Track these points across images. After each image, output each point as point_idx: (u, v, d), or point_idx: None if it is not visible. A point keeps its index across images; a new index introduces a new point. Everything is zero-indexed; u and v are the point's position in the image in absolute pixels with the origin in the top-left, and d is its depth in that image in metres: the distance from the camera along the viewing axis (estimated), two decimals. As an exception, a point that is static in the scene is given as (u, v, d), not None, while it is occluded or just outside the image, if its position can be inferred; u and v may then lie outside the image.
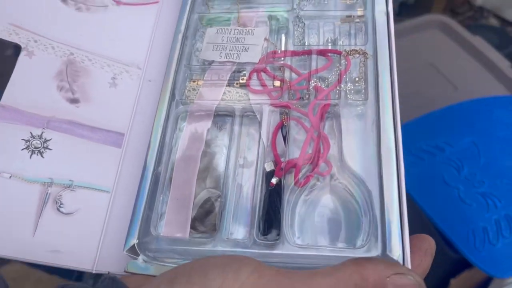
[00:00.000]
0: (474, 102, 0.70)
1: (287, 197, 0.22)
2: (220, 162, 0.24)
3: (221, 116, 0.25)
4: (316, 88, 0.25)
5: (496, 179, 0.62)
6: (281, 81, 0.25)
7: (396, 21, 1.15)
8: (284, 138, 0.23)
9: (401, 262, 0.20)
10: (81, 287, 0.19)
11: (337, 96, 0.24)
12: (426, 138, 0.67)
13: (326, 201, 0.22)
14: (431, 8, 1.32)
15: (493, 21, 1.59)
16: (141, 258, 0.22)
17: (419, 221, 0.67)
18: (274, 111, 0.25)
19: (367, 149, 0.22)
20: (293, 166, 0.22)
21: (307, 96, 0.24)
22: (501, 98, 0.71)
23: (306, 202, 0.23)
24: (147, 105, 0.28)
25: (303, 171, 0.23)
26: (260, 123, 0.24)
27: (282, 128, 0.24)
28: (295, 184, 0.23)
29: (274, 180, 0.23)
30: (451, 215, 0.60)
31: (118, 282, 0.19)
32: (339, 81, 0.25)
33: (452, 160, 0.64)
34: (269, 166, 0.23)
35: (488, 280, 0.63)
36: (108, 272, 0.19)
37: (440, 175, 0.63)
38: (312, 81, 0.25)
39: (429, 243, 0.23)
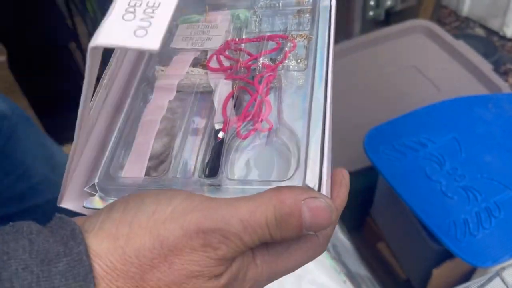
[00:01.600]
0: (455, 100, 0.72)
1: (228, 145, 0.26)
2: (177, 125, 0.28)
3: (184, 92, 0.30)
4: (264, 65, 0.29)
5: (476, 173, 0.64)
6: (235, 61, 0.29)
7: (382, 26, 1.17)
8: (234, 105, 0.28)
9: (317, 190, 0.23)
10: (28, 224, 0.20)
11: (282, 70, 0.29)
12: (409, 135, 0.68)
13: (264, 151, 0.26)
14: (417, 17, 1.35)
15: (479, 31, 1.64)
16: (98, 195, 0.25)
17: (402, 213, 0.69)
18: (227, 83, 0.29)
19: (304, 111, 0.26)
20: (236, 122, 0.27)
21: (256, 72, 0.28)
22: (481, 96, 0.73)
23: (245, 150, 0.26)
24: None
25: (246, 126, 0.27)
26: (214, 92, 0.28)
27: (232, 96, 0.28)
28: (237, 135, 0.26)
29: (220, 135, 0.26)
30: (433, 208, 0.61)
31: (66, 220, 0.21)
32: (284, 58, 0.29)
33: (434, 156, 0.66)
34: (218, 125, 0.27)
35: (471, 270, 0.64)
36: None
37: (422, 170, 0.65)
38: (261, 59, 0.29)
39: (343, 175, 0.25)
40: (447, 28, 1.63)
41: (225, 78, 0.28)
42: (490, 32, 1.62)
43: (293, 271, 0.24)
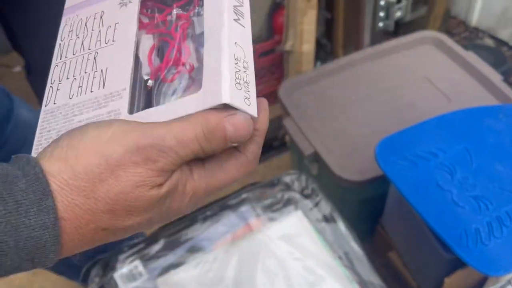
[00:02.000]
0: (465, 111, 0.73)
1: (157, 90, 0.29)
2: None
3: None
4: (178, 15, 0.31)
5: (487, 183, 0.65)
6: (152, 17, 0.32)
7: (392, 37, 1.19)
8: (158, 55, 0.30)
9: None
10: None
11: (194, 17, 0.30)
12: (421, 145, 0.69)
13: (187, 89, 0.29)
14: (426, 28, 1.37)
15: (488, 41, 1.64)
16: None
17: (413, 223, 0.70)
18: (148, 38, 0.31)
19: (217, 47, 0.27)
20: (160, 69, 0.29)
21: (171, 22, 0.31)
22: (491, 107, 0.74)
23: (169, 89, 0.29)
24: None
25: (170, 71, 0.29)
26: (137, 48, 0.30)
27: (155, 48, 0.31)
28: (163, 80, 0.29)
29: (149, 83, 0.29)
30: (445, 217, 0.62)
31: (21, 155, 0.24)
32: (194, 6, 0.31)
33: (445, 165, 0.67)
34: (146, 76, 0.30)
35: (483, 279, 0.64)
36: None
37: (433, 180, 0.66)
38: (175, 11, 0.31)
39: (260, 101, 0.28)
40: (456, 39, 1.64)
41: (146, 33, 0.31)
42: (500, 42, 1.63)
43: (229, 185, 0.27)
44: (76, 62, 0.31)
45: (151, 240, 0.63)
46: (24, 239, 0.22)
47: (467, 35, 1.66)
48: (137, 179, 0.23)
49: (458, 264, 0.63)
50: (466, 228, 0.61)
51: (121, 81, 0.28)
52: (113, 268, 0.60)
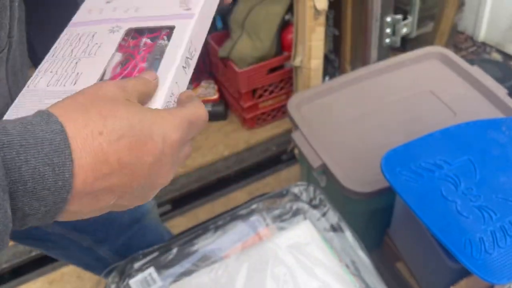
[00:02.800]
0: (470, 124, 0.75)
1: None
2: None
3: None
4: (145, 43, 0.40)
5: (491, 193, 0.66)
6: (127, 40, 0.41)
7: (398, 53, 1.21)
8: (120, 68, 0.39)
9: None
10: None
11: (157, 46, 0.39)
12: (426, 157, 0.71)
13: None
14: (433, 43, 1.39)
15: (496, 56, 1.66)
16: None
17: (419, 233, 0.71)
18: (119, 55, 0.39)
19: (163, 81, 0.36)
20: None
21: (139, 47, 0.40)
22: (494, 120, 0.76)
23: None
24: None
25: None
26: (108, 61, 0.38)
27: (120, 63, 0.39)
28: None
29: None
30: (449, 227, 0.63)
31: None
32: (159, 40, 0.40)
33: (450, 177, 0.69)
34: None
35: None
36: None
37: (438, 190, 0.67)
38: (144, 40, 0.40)
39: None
40: (463, 53, 1.66)
41: (118, 52, 0.39)
42: (507, 56, 1.64)
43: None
44: (62, 62, 0.40)
45: (165, 248, 0.66)
46: (41, 140, 0.24)
47: (475, 50, 1.69)
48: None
49: (463, 273, 0.65)
50: (471, 238, 0.62)
51: (89, 82, 0.37)
52: (129, 275, 0.63)
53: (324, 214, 0.68)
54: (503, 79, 1.34)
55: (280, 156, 1.38)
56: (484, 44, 1.70)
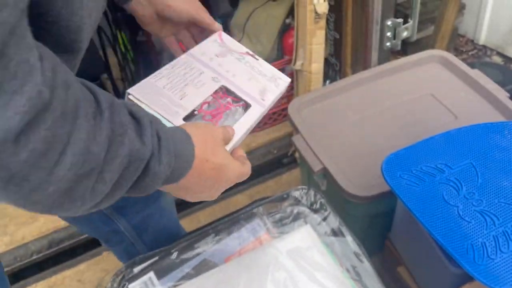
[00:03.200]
0: (471, 127, 0.75)
1: (194, 119, 0.53)
2: None
3: None
4: (229, 102, 0.56)
5: (493, 198, 0.66)
6: (218, 95, 0.56)
7: (399, 56, 1.21)
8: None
9: None
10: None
11: (236, 107, 0.57)
12: (427, 160, 0.71)
13: None
14: (434, 46, 1.39)
15: (497, 59, 1.66)
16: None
17: (421, 237, 0.71)
18: (209, 98, 0.54)
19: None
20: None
21: (225, 101, 0.55)
22: (496, 124, 0.75)
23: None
24: None
25: (205, 115, 0.54)
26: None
27: (206, 103, 0.54)
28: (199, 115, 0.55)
29: (195, 113, 0.53)
30: (451, 232, 0.63)
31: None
32: (239, 105, 0.56)
33: (451, 181, 0.68)
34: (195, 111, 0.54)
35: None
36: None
37: (440, 195, 0.67)
38: (229, 99, 0.56)
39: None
40: (464, 57, 1.66)
41: (211, 95, 0.53)
42: (508, 59, 1.64)
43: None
44: (176, 77, 0.53)
45: (165, 253, 0.65)
46: (183, 148, 0.40)
47: (475, 53, 1.68)
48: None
49: (465, 278, 0.64)
50: (473, 243, 0.62)
51: (190, 104, 0.51)
52: (129, 280, 0.62)
53: (324, 218, 0.67)
54: (504, 82, 1.34)
55: (281, 159, 1.37)
56: (484, 47, 1.70)
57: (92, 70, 1.29)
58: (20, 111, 0.25)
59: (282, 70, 1.31)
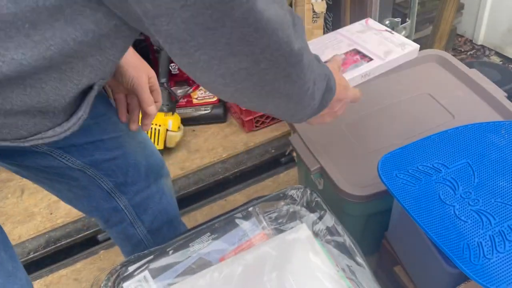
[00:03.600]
0: (468, 127, 0.75)
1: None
2: None
3: None
4: (356, 58, 0.80)
5: (490, 197, 0.66)
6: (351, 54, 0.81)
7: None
8: None
9: None
10: None
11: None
12: (423, 160, 0.71)
13: None
14: (432, 46, 1.39)
15: (495, 59, 1.66)
16: None
17: (417, 237, 0.70)
18: (343, 55, 0.78)
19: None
20: None
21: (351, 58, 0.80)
22: (493, 123, 0.75)
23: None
24: None
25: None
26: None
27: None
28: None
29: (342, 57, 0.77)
30: (448, 231, 0.63)
31: None
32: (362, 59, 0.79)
33: (448, 180, 0.68)
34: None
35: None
36: None
37: (436, 194, 0.67)
38: (357, 57, 0.81)
39: None
40: (462, 56, 1.66)
41: (343, 54, 0.78)
42: (506, 59, 1.64)
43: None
44: (320, 43, 0.79)
45: (160, 251, 0.65)
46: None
47: (474, 53, 1.68)
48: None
49: (462, 278, 0.64)
50: (469, 242, 0.61)
51: (327, 56, 0.75)
52: (123, 279, 0.62)
53: (320, 218, 0.67)
54: (502, 82, 1.33)
55: (278, 158, 1.37)
56: (483, 47, 1.70)
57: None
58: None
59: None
